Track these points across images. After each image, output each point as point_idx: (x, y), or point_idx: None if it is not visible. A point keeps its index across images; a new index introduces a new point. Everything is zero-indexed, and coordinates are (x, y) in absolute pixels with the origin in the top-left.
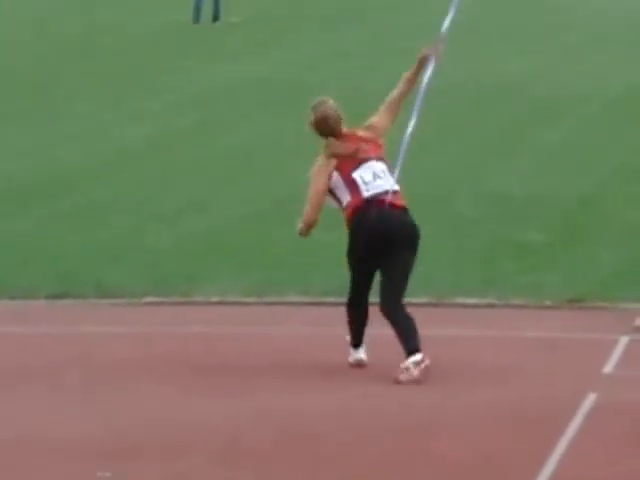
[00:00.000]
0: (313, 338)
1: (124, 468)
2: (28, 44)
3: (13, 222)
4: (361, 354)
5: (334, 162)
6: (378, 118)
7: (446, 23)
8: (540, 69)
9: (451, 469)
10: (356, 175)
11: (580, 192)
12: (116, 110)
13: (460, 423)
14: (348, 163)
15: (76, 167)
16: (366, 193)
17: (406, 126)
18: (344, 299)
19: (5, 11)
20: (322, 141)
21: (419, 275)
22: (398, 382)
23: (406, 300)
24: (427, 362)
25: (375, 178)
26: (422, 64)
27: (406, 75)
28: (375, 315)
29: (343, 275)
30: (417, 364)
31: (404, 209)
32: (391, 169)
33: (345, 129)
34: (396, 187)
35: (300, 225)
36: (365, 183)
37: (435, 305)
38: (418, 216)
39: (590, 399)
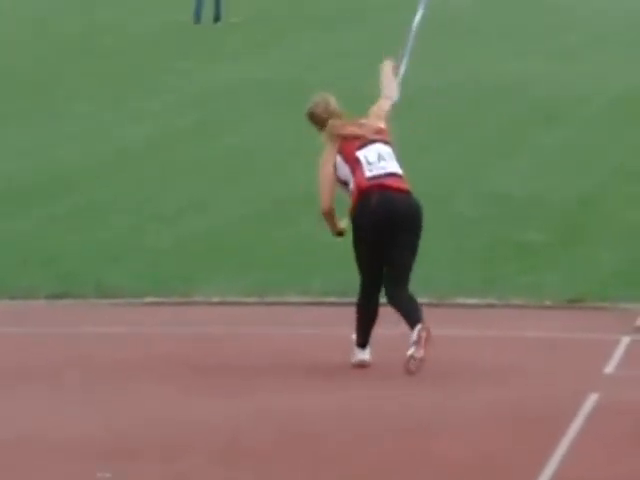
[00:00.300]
0: (313, 338)
1: (124, 468)
2: (28, 44)
3: (13, 222)
4: (366, 355)
5: (338, 143)
6: (377, 105)
7: (416, 19)
8: (540, 69)
9: (451, 469)
10: (360, 154)
11: (580, 192)
12: (116, 110)
13: (460, 423)
14: (353, 142)
15: (76, 167)
16: (369, 173)
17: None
18: (344, 299)
19: (5, 11)
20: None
21: (419, 275)
22: (410, 372)
23: None
24: (428, 331)
25: (379, 160)
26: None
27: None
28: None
29: (343, 275)
30: (418, 335)
31: (407, 192)
32: (397, 155)
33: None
34: (400, 171)
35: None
36: (369, 163)
37: (435, 305)
38: None
39: (591, 399)
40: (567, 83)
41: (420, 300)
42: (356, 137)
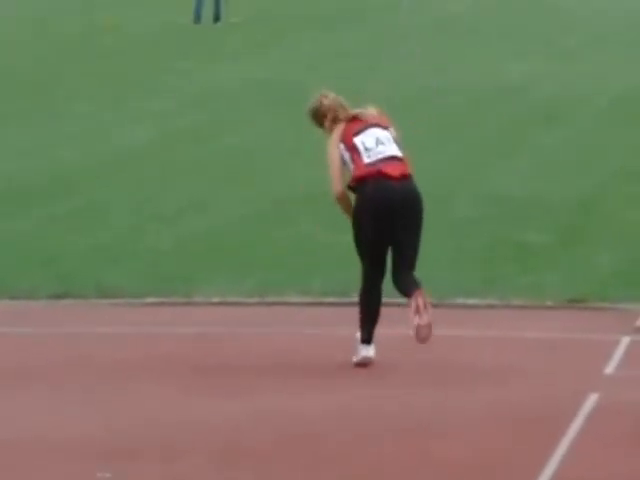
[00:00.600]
0: (313, 338)
1: (124, 468)
2: (28, 44)
3: (13, 222)
4: (370, 351)
5: (341, 128)
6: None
7: None
8: (540, 69)
9: (451, 469)
10: (357, 140)
11: (580, 193)
12: (116, 110)
13: (460, 423)
14: (351, 128)
15: (76, 167)
16: (367, 159)
17: None
18: (345, 299)
19: (5, 11)
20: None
21: (419, 276)
22: (424, 340)
23: (406, 301)
24: (423, 295)
25: (377, 144)
26: None
27: None
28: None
29: (343, 275)
30: (415, 303)
31: (406, 177)
32: (397, 141)
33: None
34: (399, 154)
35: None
36: (367, 149)
37: (435, 306)
38: None
39: (591, 400)
40: (567, 83)
41: None
42: (355, 118)
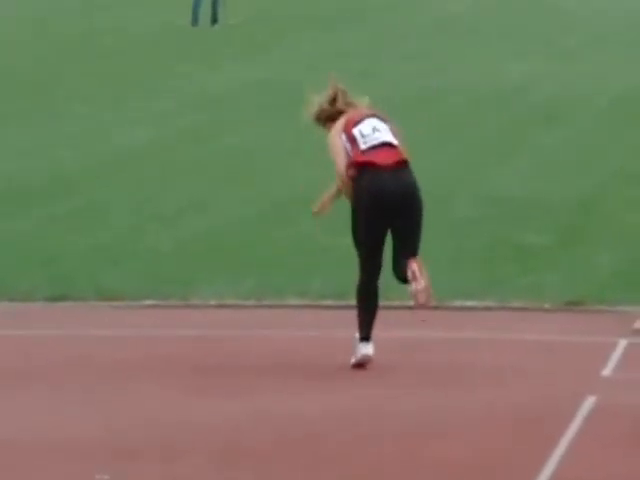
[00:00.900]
0: (312, 341)
1: (124, 468)
2: (28, 44)
3: (13, 222)
4: (369, 349)
5: (342, 121)
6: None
7: None
8: (540, 69)
9: (451, 469)
10: (355, 130)
11: (580, 194)
12: (116, 111)
13: (460, 423)
14: (351, 121)
15: (76, 167)
16: (363, 145)
17: None
18: (343, 302)
19: (5, 11)
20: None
21: None
22: (422, 305)
23: (404, 303)
24: (417, 261)
25: (374, 131)
26: None
27: None
28: (377, 318)
29: (343, 277)
30: (410, 270)
31: (400, 165)
32: (396, 134)
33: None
34: (395, 141)
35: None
36: (363, 136)
37: (434, 307)
38: None
39: (589, 401)
40: (567, 83)
41: None
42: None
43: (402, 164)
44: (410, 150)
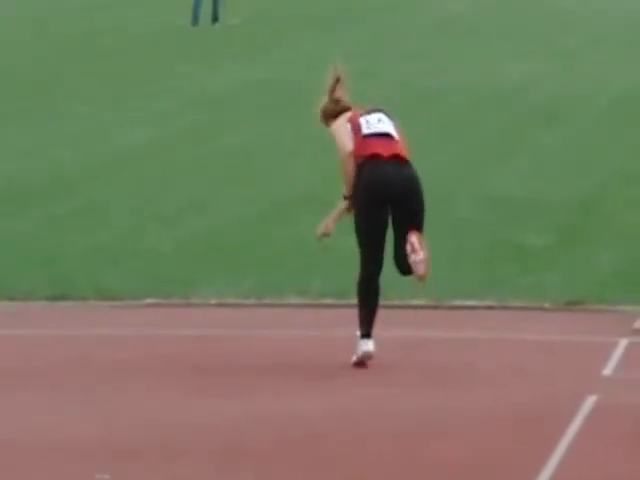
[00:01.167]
0: (312, 340)
1: (124, 468)
2: (28, 44)
3: (13, 222)
4: (370, 346)
5: (350, 114)
6: None
7: None
8: (540, 69)
9: (451, 469)
10: (362, 119)
11: (580, 194)
12: (116, 111)
13: (460, 423)
14: (358, 113)
15: (76, 167)
16: (366, 130)
17: None
18: (344, 301)
19: (5, 11)
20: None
21: None
22: (422, 276)
23: (404, 302)
24: (415, 234)
25: (378, 122)
26: None
27: None
28: (377, 317)
29: (343, 276)
30: (409, 243)
31: (399, 157)
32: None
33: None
34: (396, 135)
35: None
36: (367, 122)
37: (434, 307)
38: None
39: (590, 401)
40: (567, 83)
41: (419, 302)
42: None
43: (402, 158)
44: (410, 150)
